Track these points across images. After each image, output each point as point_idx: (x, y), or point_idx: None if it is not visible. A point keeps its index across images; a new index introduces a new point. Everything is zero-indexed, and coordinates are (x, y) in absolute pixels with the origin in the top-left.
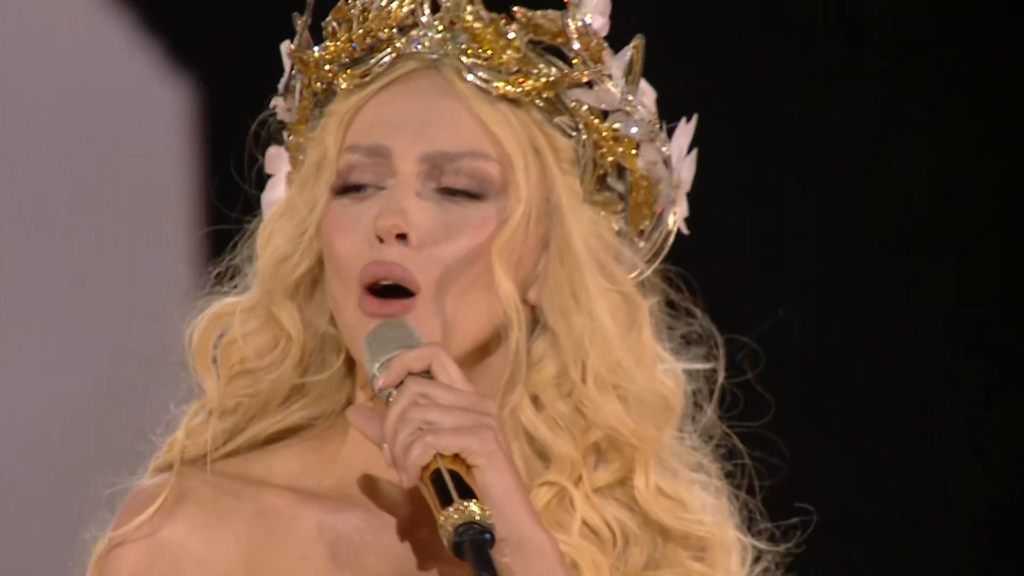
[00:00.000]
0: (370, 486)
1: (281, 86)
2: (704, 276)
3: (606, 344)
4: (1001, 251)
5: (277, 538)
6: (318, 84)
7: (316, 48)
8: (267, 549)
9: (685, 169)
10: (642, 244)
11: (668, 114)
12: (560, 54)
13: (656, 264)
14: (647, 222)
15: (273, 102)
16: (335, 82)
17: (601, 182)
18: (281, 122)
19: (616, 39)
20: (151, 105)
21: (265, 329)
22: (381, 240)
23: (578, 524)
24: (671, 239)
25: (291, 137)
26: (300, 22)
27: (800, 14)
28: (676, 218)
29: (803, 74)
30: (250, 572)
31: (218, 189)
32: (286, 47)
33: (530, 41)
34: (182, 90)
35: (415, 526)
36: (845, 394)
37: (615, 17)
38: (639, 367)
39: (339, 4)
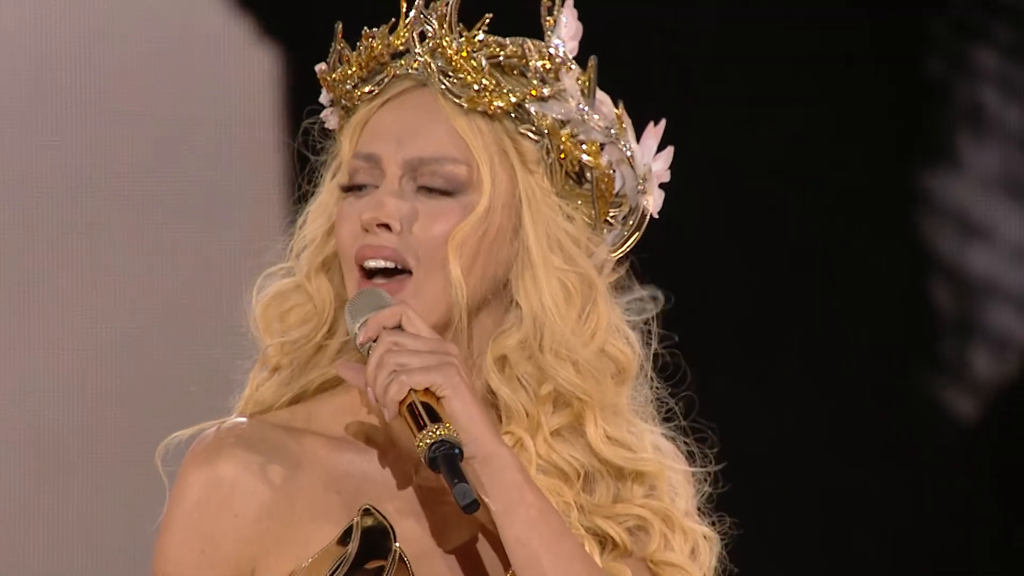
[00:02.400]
0: (390, 431)
1: (325, 101)
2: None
3: (558, 319)
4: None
5: (314, 476)
6: (341, 100)
7: (337, 71)
8: (305, 485)
9: (658, 163)
10: (616, 229)
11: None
12: (524, 72)
13: (632, 243)
14: (615, 210)
15: (323, 114)
16: (350, 98)
17: (574, 177)
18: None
19: (603, 59)
20: (243, 74)
21: (306, 301)
22: (367, 230)
23: (535, 465)
24: (645, 222)
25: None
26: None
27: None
28: (649, 205)
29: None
30: (291, 504)
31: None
32: (319, 69)
33: (496, 63)
34: (272, 59)
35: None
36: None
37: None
38: (592, 337)
39: (342, 46)
